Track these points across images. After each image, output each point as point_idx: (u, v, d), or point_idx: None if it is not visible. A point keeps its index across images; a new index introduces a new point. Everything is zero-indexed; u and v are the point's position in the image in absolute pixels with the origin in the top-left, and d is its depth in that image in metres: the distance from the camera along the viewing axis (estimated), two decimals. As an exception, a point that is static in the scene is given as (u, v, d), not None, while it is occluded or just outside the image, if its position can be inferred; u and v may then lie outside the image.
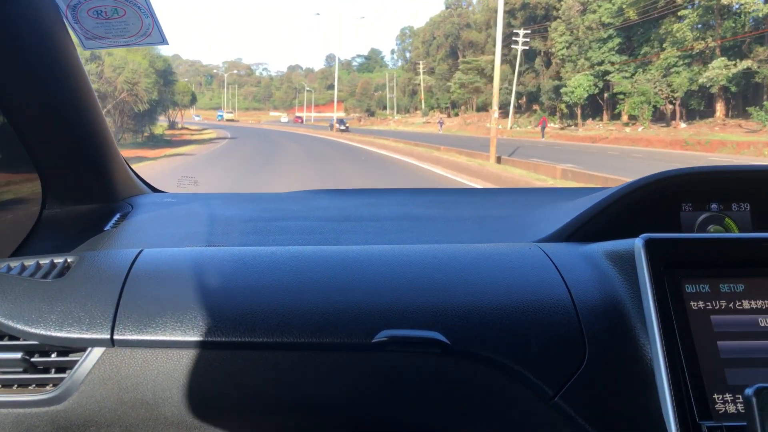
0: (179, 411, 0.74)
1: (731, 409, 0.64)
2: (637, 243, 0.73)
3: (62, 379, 0.74)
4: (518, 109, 44.14)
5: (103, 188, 1.12)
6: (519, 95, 43.15)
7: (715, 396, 0.65)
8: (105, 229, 1.04)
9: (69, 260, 0.83)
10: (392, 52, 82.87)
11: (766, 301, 0.70)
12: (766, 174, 0.91)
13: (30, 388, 0.76)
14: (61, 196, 1.07)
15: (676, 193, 0.92)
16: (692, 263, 0.72)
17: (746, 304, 0.70)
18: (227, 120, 61.12)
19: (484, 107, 49.43)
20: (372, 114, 78.20)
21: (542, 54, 43.07)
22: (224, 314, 0.74)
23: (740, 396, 0.64)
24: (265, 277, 0.80)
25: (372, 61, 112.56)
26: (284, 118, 76.78)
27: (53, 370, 0.76)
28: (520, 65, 40.18)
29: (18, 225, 1.04)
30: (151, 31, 0.93)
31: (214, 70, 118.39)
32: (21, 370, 0.75)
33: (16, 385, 0.76)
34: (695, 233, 0.91)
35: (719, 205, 0.93)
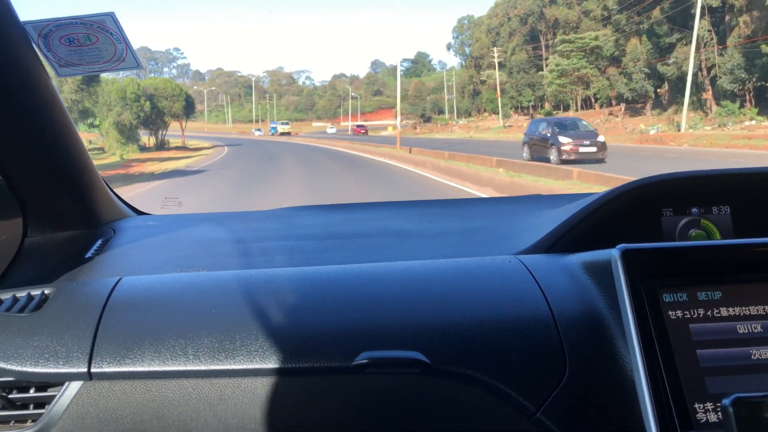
0: None
1: (712, 418, 0.64)
2: (614, 254, 0.73)
3: (41, 414, 0.74)
4: (671, 99, 30.29)
5: (84, 214, 1.11)
6: (659, 80, 29.36)
7: (696, 405, 0.64)
8: (86, 256, 1.03)
9: (46, 292, 0.83)
10: (448, 47, 71.27)
11: (743, 308, 0.70)
12: (743, 177, 0.93)
13: (9, 424, 0.75)
14: (42, 224, 1.05)
15: (656, 199, 0.93)
16: (669, 272, 0.71)
17: (724, 312, 0.70)
18: (281, 133, 54.04)
19: (589, 103, 35.71)
20: (427, 119, 65.51)
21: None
22: (202, 342, 0.74)
23: (719, 405, 0.64)
24: (244, 302, 0.79)
25: (419, 65, 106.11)
26: (331, 128, 66.58)
27: (32, 406, 0.75)
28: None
29: None
30: (125, 56, 0.94)
31: (255, 80, 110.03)
32: None
33: None
34: (672, 242, 0.90)
35: (700, 209, 0.94)
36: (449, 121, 59.61)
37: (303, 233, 1.15)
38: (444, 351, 0.74)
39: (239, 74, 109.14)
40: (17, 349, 0.73)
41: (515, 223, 1.12)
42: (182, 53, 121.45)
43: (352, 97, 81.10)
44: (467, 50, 65.80)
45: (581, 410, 0.71)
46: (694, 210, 0.95)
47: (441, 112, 67.48)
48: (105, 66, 0.95)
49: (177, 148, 30.11)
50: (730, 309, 0.70)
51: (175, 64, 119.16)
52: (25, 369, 0.72)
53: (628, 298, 0.69)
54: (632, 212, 0.92)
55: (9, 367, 0.73)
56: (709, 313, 0.70)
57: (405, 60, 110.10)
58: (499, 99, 46.93)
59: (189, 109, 33.23)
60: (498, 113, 47.16)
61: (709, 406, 0.64)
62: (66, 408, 0.73)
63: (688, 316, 0.69)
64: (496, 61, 48.29)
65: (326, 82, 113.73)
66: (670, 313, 0.69)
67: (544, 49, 44.14)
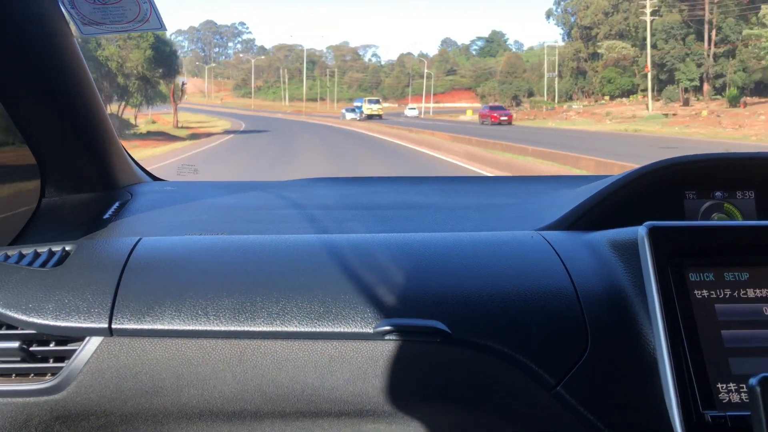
0: (178, 400, 0.75)
1: (735, 398, 0.64)
2: (641, 231, 0.73)
3: (60, 368, 0.75)
4: None
5: (102, 176, 1.12)
6: None
7: (719, 385, 0.65)
8: (104, 217, 1.04)
9: (67, 249, 0.84)
10: (548, 15, 57.38)
11: None
12: None
13: (28, 377, 0.76)
14: (59, 185, 1.07)
15: (680, 181, 0.92)
16: (696, 252, 0.72)
17: (751, 293, 0.70)
18: (367, 115, 37.41)
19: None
20: (518, 103, 52.55)
21: None
22: (223, 303, 0.74)
23: (744, 385, 0.64)
24: (264, 265, 0.80)
25: (495, 44, 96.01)
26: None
27: (51, 360, 0.76)
28: None
29: (17, 214, 1.04)
30: (148, 17, 0.93)
31: (318, 56, 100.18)
32: (19, 359, 0.75)
33: (14, 375, 0.76)
34: (700, 221, 0.90)
35: (723, 193, 0.94)
36: (554, 104, 46.65)
37: (322, 203, 1.14)
38: (465, 321, 0.73)
39: (300, 48, 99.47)
40: (39, 303, 0.74)
41: (536, 200, 1.11)
42: (247, 28, 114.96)
43: (425, 76, 69.37)
44: (573, 20, 52.23)
45: (602, 386, 0.71)
46: (718, 194, 0.93)
47: (531, 94, 54.52)
48: (128, 26, 0.93)
49: (145, 135, 19.12)
50: (757, 291, 0.70)
51: (239, 39, 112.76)
52: (46, 322, 0.73)
53: (654, 276, 0.69)
54: (655, 193, 0.92)
55: (30, 320, 0.73)
56: (735, 293, 0.70)
57: (479, 38, 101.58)
58: (649, 75, 33.68)
59: (168, 69, 21.60)
60: (637, 95, 33.80)
61: (732, 386, 0.65)
62: (86, 363, 0.74)
63: (714, 296, 0.69)
64: (648, 14, 34.60)
65: (392, 61, 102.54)
66: (696, 292, 0.69)
67: (708, 9, 30.74)
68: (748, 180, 0.92)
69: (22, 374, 0.76)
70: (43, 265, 0.80)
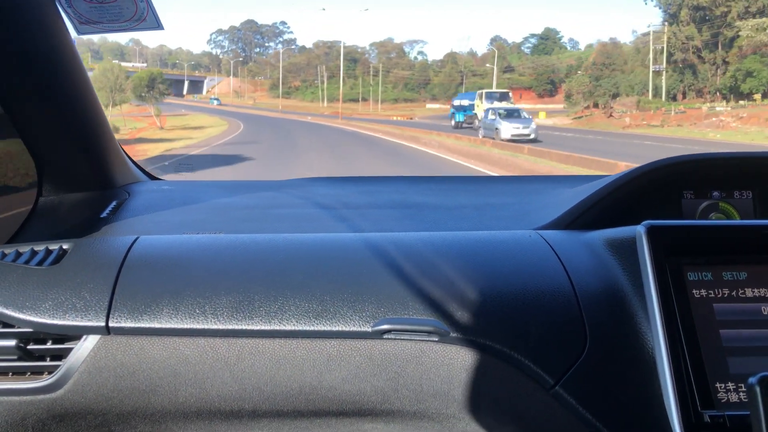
0: (176, 399, 0.77)
1: (734, 398, 0.66)
2: (639, 230, 0.75)
3: (57, 366, 0.77)
4: None
5: (99, 175, 1.16)
6: None
7: (718, 385, 0.67)
8: (101, 216, 1.08)
9: (64, 247, 0.87)
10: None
11: None
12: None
13: (25, 376, 0.79)
14: (57, 183, 1.11)
15: (678, 181, 0.96)
16: (695, 251, 0.74)
17: (749, 293, 0.72)
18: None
19: None
20: (596, 104, 41.08)
21: None
22: (221, 301, 0.77)
23: (743, 385, 0.67)
24: (262, 264, 0.83)
25: (550, 41, 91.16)
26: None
27: (48, 358, 0.79)
28: None
29: (14, 212, 1.08)
30: (146, 16, 0.94)
31: (360, 53, 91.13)
32: (16, 357, 0.78)
33: (11, 373, 0.79)
34: (699, 220, 0.95)
35: (721, 193, 0.96)
36: (672, 105, 35.06)
37: (320, 202, 1.18)
38: (463, 320, 0.76)
39: (339, 44, 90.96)
40: (35, 301, 0.76)
41: (534, 200, 1.15)
42: (288, 27, 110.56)
43: (475, 74, 58.73)
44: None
45: (600, 385, 0.73)
46: (716, 193, 0.96)
47: (616, 95, 42.90)
48: (125, 25, 0.94)
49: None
50: (756, 290, 0.72)
51: (280, 39, 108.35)
52: (43, 320, 0.75)
53: (653, 275, 0.72)
54: (652, 193, 0.95)
55: (27, 318, 0.75)
56: (734, 293, 0.72)
57: (532, 35, 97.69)
58: None
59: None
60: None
61: (731, 386, 0.67)
62: (83, 361, 0.76)
63: (713, 295, 0.72)
64: None
65: (438, 60, 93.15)
66: (695, 291, 0.72)
67: None
68: (745, 180, 0.95)
69: (18, 372, 0.78)
70: (40, 263, 0.82)
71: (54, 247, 0.86)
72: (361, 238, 0.89)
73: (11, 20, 0.89)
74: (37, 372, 0.78)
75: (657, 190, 0.94)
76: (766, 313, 0.71)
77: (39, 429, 0.79)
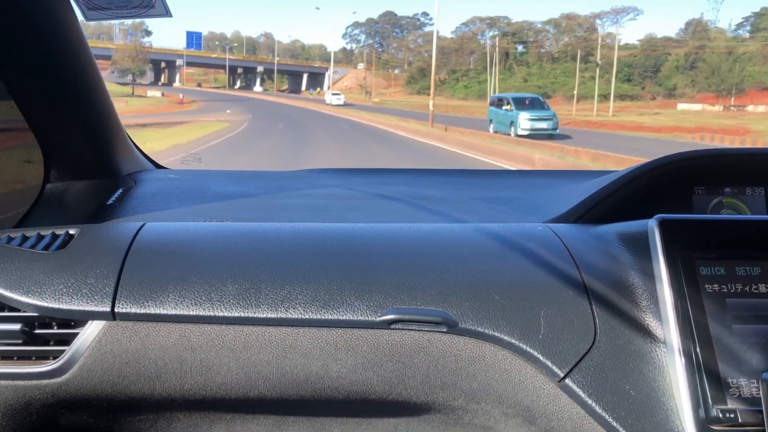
0: (181, 386, 0.77)
1: (746, 393, 0.66)
2: (651, 224, 0.76)
3: (62, 351, 0.78)
4: None
5: (106, 163, 1.17)
6: None
7: (730, 380, 0.67)
8: (107, 203, 1.09)
9: (71, 232, 0.88)
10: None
11: None
12: None
13: (30, 360, 0.79)
14: (63, 170, 1.12)
15: (689, 176, 0.96)
16: (707, 246, 0.74)
17: (762, 288, 0.72)
18: None
19: None
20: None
21: None
22: (228, 289, 0.77)
23: (755, 380, 0.67)
24: (269, 252, 0.83)
25: None
26: None
27: (53, 343, 0.79)
28: None
29: (20, 198, 1.09)
30: (154, 3, 0.93)
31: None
32: (21, 342, 0.78)
33: (16, 357, 0.79)
34: (711, 215, 0.95)
35: (732, 189, 0.96)
36: None
37: (326, 193, 1.19)
38: (472, 311, 0.76)
39: (505, 20, 69.44)
40: (41, 286, 0.76)
41: (543, 194, 1.15)
42: (430, 19, 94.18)
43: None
44: None
45: (609, 378, 0.72)
46: (727, 190, 0.95)
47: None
48: (133, 12, 0.93)
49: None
50: None
51: (421, 32, 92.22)
52: (48, 305, 0.75)
53: (665, 269, 0.72)
54: (663, 188, 0.95)
55: (32, 302, 0.75)
56: (747, 288, 0.72)
57: None
58: None
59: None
60: None
61: (743, 381, 0.66)
62: (88, 347, 0.76)
63: (726, 290, 0.71)
64: None
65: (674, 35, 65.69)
66: (707, 286, 0.72)
67: None
68: (758, 176, 0.95)
69: (24, 357, 0.79)
70: (47, 248, 0.83)
71: (60, 232, 0.86)
72: (369, 228, 0.89)
73: (18, 5, 0.88)
74: (42, 357, 0.78)
75: (668, 185, 0.93)
76: None
77: (43, 414, 0.79)
